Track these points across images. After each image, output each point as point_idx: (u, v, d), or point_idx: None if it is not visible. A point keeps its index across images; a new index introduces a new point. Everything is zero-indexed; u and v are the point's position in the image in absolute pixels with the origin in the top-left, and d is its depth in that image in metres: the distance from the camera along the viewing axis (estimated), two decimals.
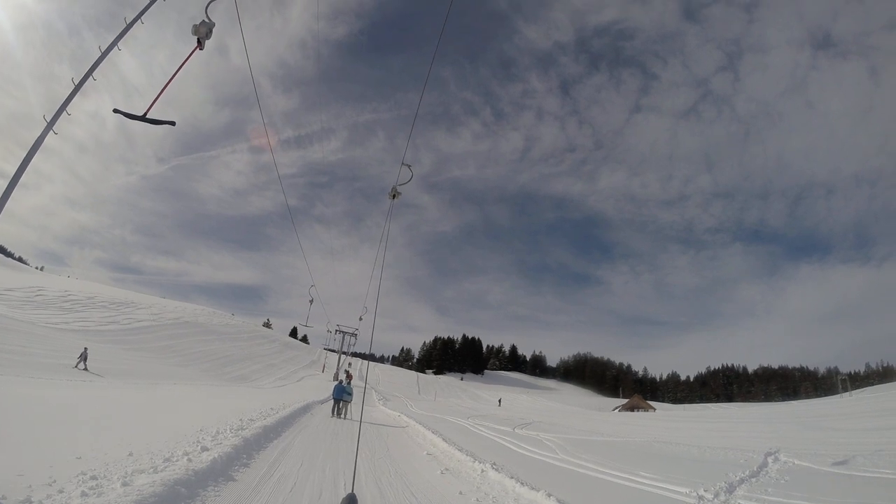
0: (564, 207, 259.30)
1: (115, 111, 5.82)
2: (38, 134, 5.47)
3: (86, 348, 18.30)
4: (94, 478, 4.20)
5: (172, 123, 6.07)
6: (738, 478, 7.34)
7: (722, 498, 6.06)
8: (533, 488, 6.13)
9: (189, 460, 5.49)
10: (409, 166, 6.84)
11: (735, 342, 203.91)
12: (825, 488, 6.39)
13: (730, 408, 65.72)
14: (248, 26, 7.00)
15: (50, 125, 5.48)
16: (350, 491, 2.00)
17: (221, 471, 5.78)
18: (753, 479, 7.30)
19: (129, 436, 6.47)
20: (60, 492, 3.74)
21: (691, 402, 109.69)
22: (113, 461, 4.85)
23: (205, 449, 6.28)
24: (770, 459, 9.10)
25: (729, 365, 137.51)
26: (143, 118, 5.76)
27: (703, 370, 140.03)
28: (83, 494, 3.76)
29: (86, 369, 17.35)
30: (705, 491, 6.26)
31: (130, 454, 5.30)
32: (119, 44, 6.14)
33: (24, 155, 5.40)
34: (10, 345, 14.98)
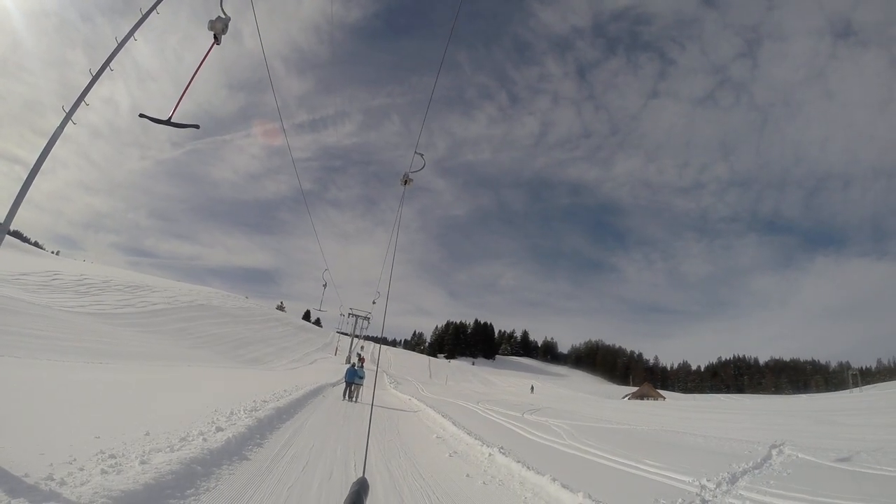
0: (579, 193, 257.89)
1: (142, 116, 5.87)
2: (55, 123, 5.42)
3: None
4: (112, 456, 4.31)
5: (197, 127, 6.06)
6: (741, 469, 7.39)
7: (724, 488, 6.12)
8: (538, 472, 6.25)
9: (204, 440, 5.63)
10: (421, 154, 6.86)
11: (747, 333, 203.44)
12: (826, 483, 6.42)
13: (739, 399, 65.43)
14: (260, 9, 6.90)
15: (68, 116, 5.44)
16: (361, 475, 1.98)
17: (235, 450, 5.93)
18: (756, 471, 7.37)
19: (146, 416, 6.63)
20: (81, 469, 3.84)
21: (701, 392, 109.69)
22: (131, 441, 4.97)
23: (219, 429, 6.43)
24: (774, 452, 9.14)
25: (740, 356, 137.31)
26: (168, 122, 5.78)
27: (714, 360, 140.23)
28: (103, 472, 3.86)
29: None
30: (708, 481, 6.33)
31: (147, 434, 5.42)
32: (135, 34, 6.10)
33: (38, 141, 5.43)
34: (26, 328, 15.30)
